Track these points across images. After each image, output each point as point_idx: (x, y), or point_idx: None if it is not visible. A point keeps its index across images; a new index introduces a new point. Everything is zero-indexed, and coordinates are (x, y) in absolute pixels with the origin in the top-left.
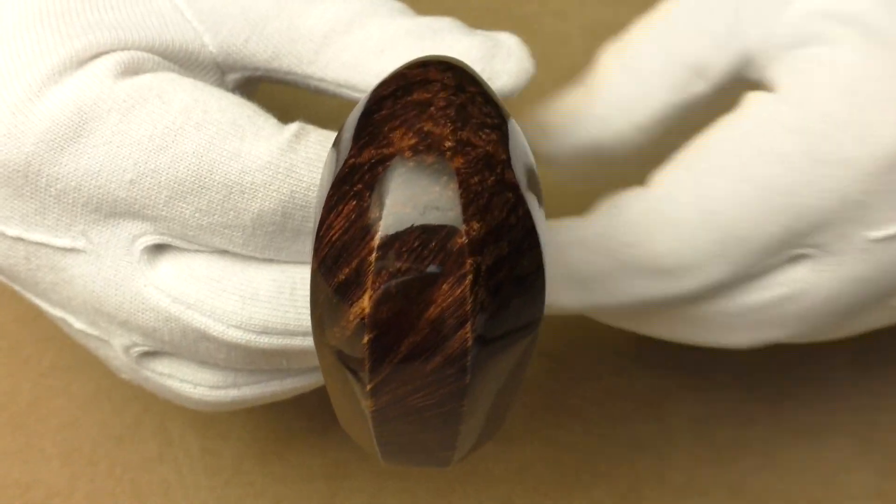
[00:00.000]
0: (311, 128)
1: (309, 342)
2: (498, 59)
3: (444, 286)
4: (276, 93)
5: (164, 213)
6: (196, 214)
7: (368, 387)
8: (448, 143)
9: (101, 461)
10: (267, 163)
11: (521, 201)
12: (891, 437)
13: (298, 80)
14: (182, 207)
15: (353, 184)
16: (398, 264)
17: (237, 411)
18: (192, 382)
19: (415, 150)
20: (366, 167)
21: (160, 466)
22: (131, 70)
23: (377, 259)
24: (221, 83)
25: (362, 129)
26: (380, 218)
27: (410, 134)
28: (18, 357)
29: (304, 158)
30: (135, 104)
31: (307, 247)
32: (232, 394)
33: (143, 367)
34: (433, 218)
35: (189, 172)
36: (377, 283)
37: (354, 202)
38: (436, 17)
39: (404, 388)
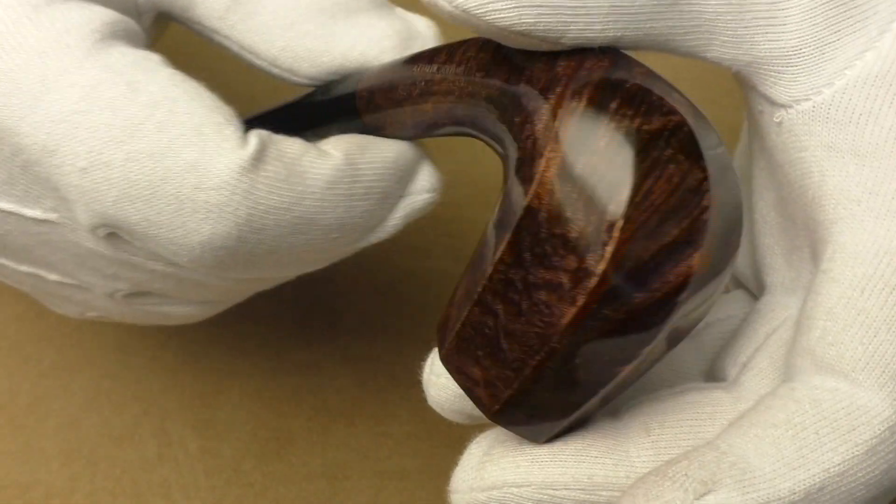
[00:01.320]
0: (273, 140)
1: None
2: (416, 46)
3: None
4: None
5: (111, 212)
6: (143, 223)
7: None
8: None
9: (101, 461)
10: (224, 182)
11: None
12: None
13: (205, 33)
14: (130, 212)
15: (662, 149)
16: (721, 220)
17: (237, 411)
18: (180, 310)
19: (690, 114)
20: (666, 133)
21: (160, 466)
22: (108, 35)
23: (711, 216)
24: (138, 21)
25: (632, 99)
26: (706, 177)
27: (676, 100)
28: (18, 357)
29: (265, 179)
30: (99, 85)
31: (255, 274)
32: (219, 307)
33: (128, 305)
34: (732, 171)
35: (142, 175)
36: (710, 239)
37: (673, 166)
38: None
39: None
